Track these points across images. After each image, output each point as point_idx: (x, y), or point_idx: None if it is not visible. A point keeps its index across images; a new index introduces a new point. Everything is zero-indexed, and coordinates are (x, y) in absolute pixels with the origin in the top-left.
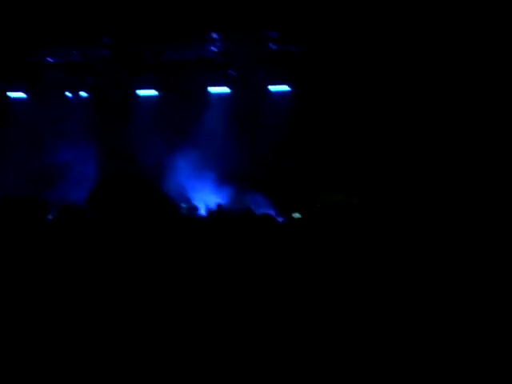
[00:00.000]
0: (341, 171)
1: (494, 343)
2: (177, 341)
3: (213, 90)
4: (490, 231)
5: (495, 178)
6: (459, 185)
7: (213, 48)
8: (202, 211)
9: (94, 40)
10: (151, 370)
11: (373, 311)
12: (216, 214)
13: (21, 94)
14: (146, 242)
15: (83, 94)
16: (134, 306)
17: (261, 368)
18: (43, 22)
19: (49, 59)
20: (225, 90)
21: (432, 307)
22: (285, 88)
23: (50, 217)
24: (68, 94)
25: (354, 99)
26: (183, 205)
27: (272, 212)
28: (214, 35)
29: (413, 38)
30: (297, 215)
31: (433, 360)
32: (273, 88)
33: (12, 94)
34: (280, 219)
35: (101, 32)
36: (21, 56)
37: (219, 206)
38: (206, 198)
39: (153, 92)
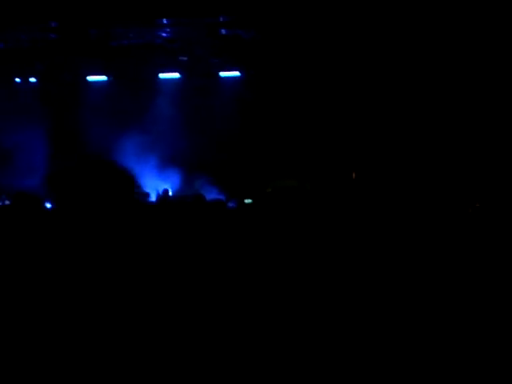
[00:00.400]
0: (292, 157)
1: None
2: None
3: (163, 75)
4: (436, 219)
5: (441, 168)
6: (410, 173)
7: (163, 33)
8: (153, 197)
9: (41, 24)
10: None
11: (318, 291)
12: (165, 199)
13: None
14: (104, 226)
15: (32, 79)
16: (92, 289)
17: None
18: None
19: None
20: (175, 75)
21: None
22: (235, 74)
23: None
24: (17, 79)
25: (304, 84)
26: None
27: (222, 198)
28: (164, 20)
29: (358, 21)
30: (248, 201)
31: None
32: (223, 74)
33: None
34: (231, 205)
35: (48, 15)
36: None
37: (165, 191)
38: (156, 184)
39: (103, 77)
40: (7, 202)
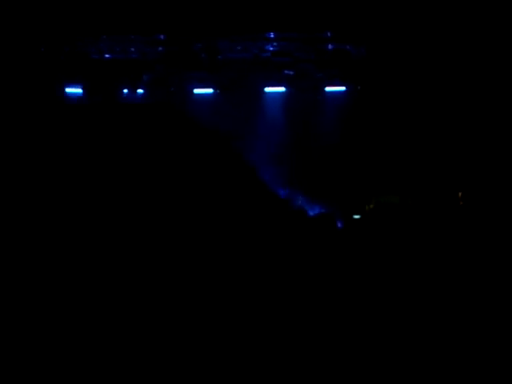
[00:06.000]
0: (397, 173)
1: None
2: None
3: (269, 89)
4: None
5: None
6: None
7: (269, 47)
8: None
9: (149, 36)
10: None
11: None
12: None
13: (77, 90)
14: None
15: (140, 91)
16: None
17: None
18: (99, 16)
19: (106, 56)
20: (281, 89)
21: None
22: (341, 89)
23: None
24: (125, 90)
25: (411, 102)
26: None
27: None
28: (271, 34)
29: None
30: (357, 216)
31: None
32: (329, 89)
33: (68, 89)
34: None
35: (156, 28)
36: (81, 52)
37: None
38: None
39: (208, 90)
40: None
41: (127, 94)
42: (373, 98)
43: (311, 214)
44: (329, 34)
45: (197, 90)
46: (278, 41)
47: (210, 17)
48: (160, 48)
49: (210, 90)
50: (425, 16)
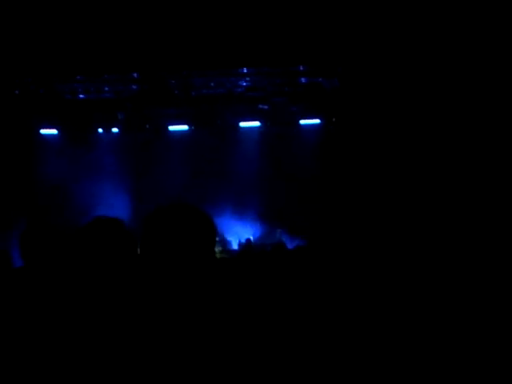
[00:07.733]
0: (373, 204)
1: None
2: None
3: (244, 124)
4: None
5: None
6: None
7: (243, 82)
8: (234, 245)
9: (123, 75)
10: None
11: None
12: (247, 247)
13: (52, 131)
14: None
15: (115, 129)
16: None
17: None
18: (73, 56)
19: (81, 96)
20: (255, 124)
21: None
22: (315, 121)
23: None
24: (100, 130)
25: (386, 131)
26: (216, 238)
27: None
28: (244, 70)
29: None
30: None
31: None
32: (303, 122)
33: (43, 131)
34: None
35: (130, 67)
36: (55, 92)
37: (248, 240)
38: (238, 233)
39: (184, 127)
40: None
41: (102, 133)
42: (348, 129)
43: (290, 247)
44: (301, 68)
45: (172, 127)
46: (251, 76)
47: (183, 54)
48: (134, 86)
49: (185, 127)
50: (396, 46)
